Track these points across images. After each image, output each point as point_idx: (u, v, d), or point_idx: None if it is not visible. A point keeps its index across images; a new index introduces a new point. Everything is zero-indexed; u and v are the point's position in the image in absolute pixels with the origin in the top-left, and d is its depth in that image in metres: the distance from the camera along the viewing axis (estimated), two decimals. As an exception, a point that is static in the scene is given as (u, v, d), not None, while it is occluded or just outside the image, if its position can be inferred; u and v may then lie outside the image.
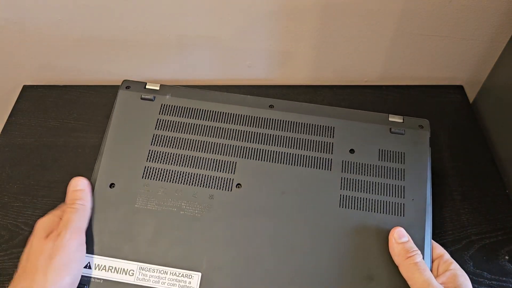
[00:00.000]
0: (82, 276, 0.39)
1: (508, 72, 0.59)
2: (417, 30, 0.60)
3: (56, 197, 0.55)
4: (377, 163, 0.41)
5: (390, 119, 0.44)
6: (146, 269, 0.39)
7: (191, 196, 0.40)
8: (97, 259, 0.39)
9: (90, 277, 0.39)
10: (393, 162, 0.42)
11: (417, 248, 0.38)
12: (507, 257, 0.50)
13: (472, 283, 0.48)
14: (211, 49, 0.64)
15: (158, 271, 0.39)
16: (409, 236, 0.39)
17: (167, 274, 0.39)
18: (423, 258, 0.38)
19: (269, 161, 0.42)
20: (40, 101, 0.66)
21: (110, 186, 0.41)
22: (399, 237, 0.38)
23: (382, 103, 0.65)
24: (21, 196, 0.55)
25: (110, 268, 0.39)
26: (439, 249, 0.41)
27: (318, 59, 0.65)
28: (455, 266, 0.39)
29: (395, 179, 0.41)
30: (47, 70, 0.67)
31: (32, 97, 0.66)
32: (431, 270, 0.39)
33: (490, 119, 0.63)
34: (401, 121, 0.44)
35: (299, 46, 0.63)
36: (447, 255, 0.41)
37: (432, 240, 0.40)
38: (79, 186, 0.41)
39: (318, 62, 0.66)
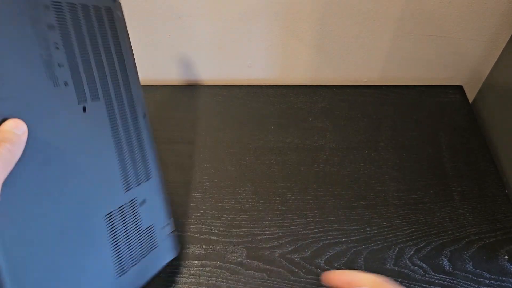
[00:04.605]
0: None
1: (508, 72, 0.59)
2: (417, 30, 0.60)
3: (56, 197, 0.55)
4: None
5: None
6: None
7: None
8: None
9: None
10: None
11: None
12: (506, 257, 0.50)
13: (471, 283, 0.48)
14: (211, 49, 0.64)
15: None
16: None
17: None
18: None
19: None
20: (41, 101, 0.65)
21: None
22: None
23: (382, 103, 0.65)
24: (22, 196, 0.55)
25: None
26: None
27: (318, 59, 0.65)
28: None
29: None
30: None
31: (33, 97, 0.66)
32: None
33: (490, 119, 0.63)
34: None
35: (299, 46, 0.63)
36: None
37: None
38: (19, 130, 0.29)
39: (318, 62, 0.66)
